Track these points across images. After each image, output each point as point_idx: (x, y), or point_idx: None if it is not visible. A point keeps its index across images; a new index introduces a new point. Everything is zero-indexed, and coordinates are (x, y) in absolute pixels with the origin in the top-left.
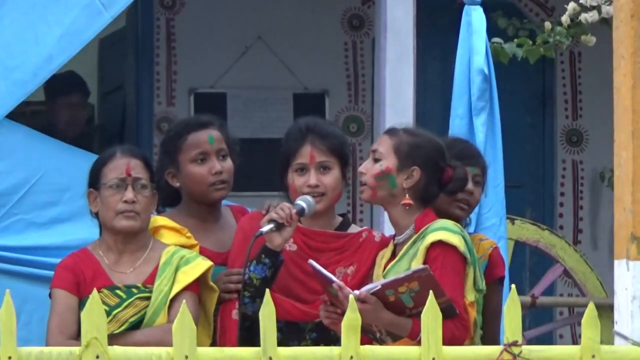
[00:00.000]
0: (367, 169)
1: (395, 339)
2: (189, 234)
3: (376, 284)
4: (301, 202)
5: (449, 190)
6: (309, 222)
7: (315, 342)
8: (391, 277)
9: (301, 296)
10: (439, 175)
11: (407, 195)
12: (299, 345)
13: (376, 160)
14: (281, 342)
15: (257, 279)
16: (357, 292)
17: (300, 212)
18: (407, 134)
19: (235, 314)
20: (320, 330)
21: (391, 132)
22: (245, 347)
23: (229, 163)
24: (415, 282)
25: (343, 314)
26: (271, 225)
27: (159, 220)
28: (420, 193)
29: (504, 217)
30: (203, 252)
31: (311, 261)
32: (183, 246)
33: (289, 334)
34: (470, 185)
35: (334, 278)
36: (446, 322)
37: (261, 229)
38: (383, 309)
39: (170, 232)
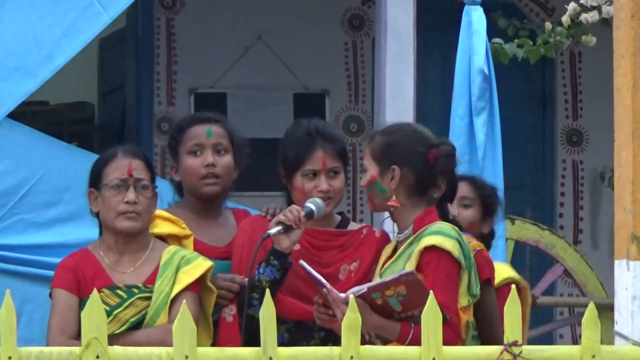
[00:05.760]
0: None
1: (384, 342)
2: (184, 225)
3: (362, 287)
4: (311, 204)
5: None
6: (311, 221)
7: (324, 342)
8: (378, 280)
9: (308, 295)
10: (425, 161)
11: (394, 196)
12: (308, 345)
13: (366, 172)
14: (290, 343)
15: (267, 281)
16: (343, 295)
17: (309, 214)
18: (381, 135)
19: (227, 316)
20: (329, 329)
21: (370, 138)
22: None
23: (225, 159)
24: (402, 286)
25: (334, 315)
26: (279, 227)
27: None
28: (413, 188)
29: (502, 217)
30: (197, 244)
31: (302, 262)
32: (177, 236)
33: (298, 334)
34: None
35: (323, 281)
36: None
37: (269, 231)
38: (370, 312)
39: (165, 222)
